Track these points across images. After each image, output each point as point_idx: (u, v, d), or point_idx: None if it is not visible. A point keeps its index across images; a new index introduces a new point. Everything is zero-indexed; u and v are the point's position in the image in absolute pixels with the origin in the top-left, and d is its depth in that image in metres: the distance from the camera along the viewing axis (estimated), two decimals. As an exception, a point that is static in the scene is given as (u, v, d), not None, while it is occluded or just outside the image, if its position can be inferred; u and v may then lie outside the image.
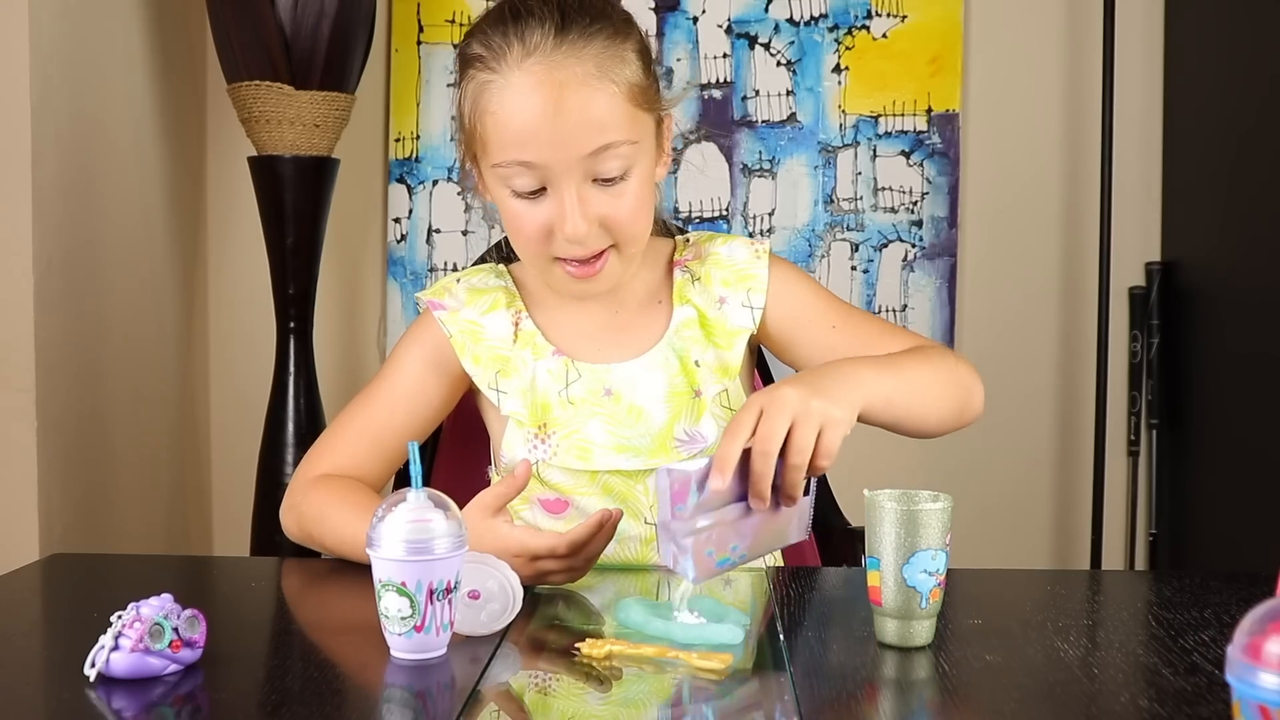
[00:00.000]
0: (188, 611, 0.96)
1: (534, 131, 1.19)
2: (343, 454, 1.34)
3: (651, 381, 1.32)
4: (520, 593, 1.06)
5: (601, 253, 1.26)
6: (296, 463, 2.32)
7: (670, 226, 1.45)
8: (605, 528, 1.15)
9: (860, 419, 1.17)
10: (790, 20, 2.61)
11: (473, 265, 1.47)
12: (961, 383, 1.28)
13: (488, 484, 1.42)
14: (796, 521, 1.13)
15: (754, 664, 1.01)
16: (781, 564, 1.43)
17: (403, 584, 0.96)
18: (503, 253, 1.46)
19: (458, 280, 1.39)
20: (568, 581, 1.19)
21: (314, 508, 1.30)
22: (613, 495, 1.31)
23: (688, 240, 1.41)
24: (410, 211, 2.65)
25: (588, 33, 1.21)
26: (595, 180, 1.22)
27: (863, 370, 1.17)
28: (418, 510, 0.98)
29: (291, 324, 2.38)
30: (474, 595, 1.04)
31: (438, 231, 2.65)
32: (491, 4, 1.29)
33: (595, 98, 1.20)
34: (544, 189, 1.22)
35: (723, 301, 1.35)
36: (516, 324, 1.35)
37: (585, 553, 1.16)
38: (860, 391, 1.14)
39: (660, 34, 2.60)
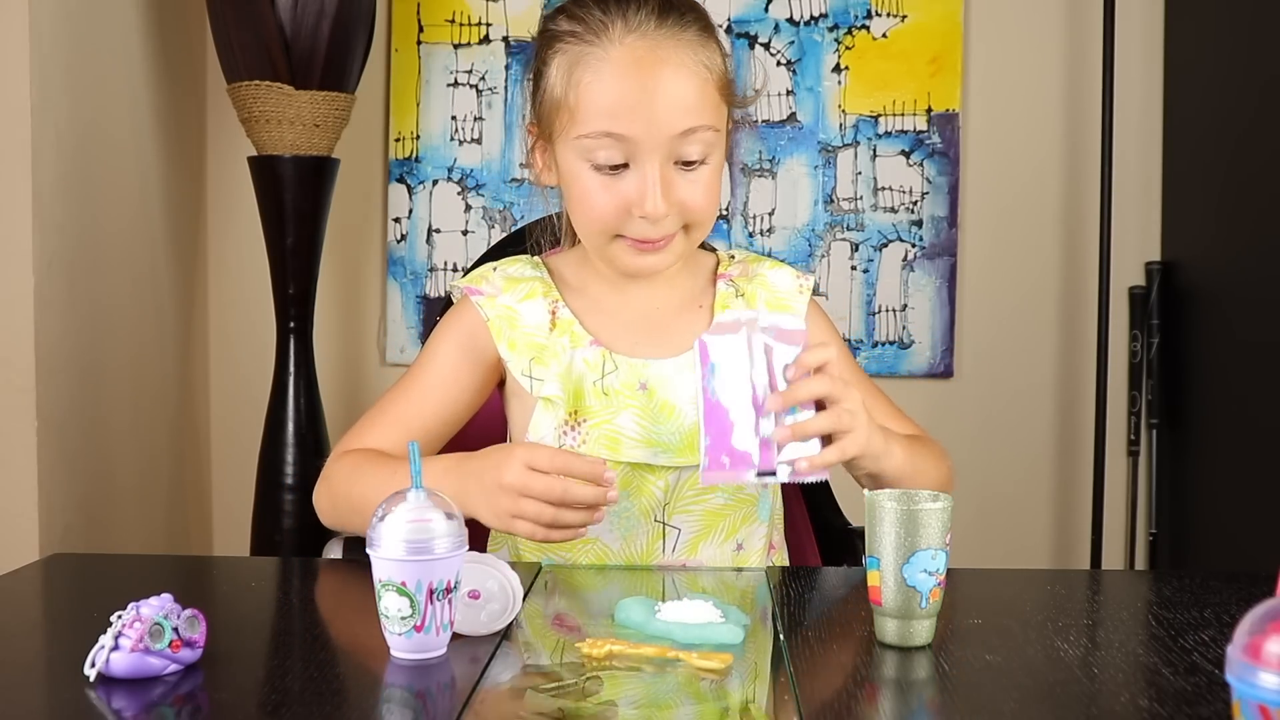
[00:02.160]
0: (188, 611, 0.95)
1: (630, 105, 1.22)
2: (374, 440, 1.34)
3: (688, 381, 1.32)
4: (520, 593, 1.06)
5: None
6: (297, 463, 2.35)
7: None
8: (599, 480, 1.13)
9: (865, 478, 1.26)
10: (790, 20, 2.61)
11: (485, 254, 1.46)
12: (946, 482, 1.36)
13: None
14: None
15: (754, 664, 1.01)
16: (788, 564, 1.43)
17: (403, 584, 0.96)
18: (557, 232, 1.44)
19: (494, 269, 1.40)
20: (535, 533, 1.15)
21: (344, 470, 1.30)
22: (631, 488, 1.31)
23: (732, 256, 1.44)
24: (410, 211, 2.65)
25: (684, 20, 1.26)
26: (676, 162, 1.25)
27: (895, 441, 1.25)
28: (418, 510, 0.98)
29: (291, 324, 2.38)
30: (474, 595, 1.04)
31: (438, 231, 2.65)
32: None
33: (690, 80, 1.24)
34: (625, 165, 1.25)
35: None
36: (553, 313, 1.35)
37: (572, 494, 1.13)
38: (888, 449, 1.22)
39: (660, 34, 2.60)
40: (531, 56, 1.32)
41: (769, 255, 1.59)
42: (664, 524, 1.32)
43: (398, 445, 1.33)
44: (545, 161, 1.32)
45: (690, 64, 1.24)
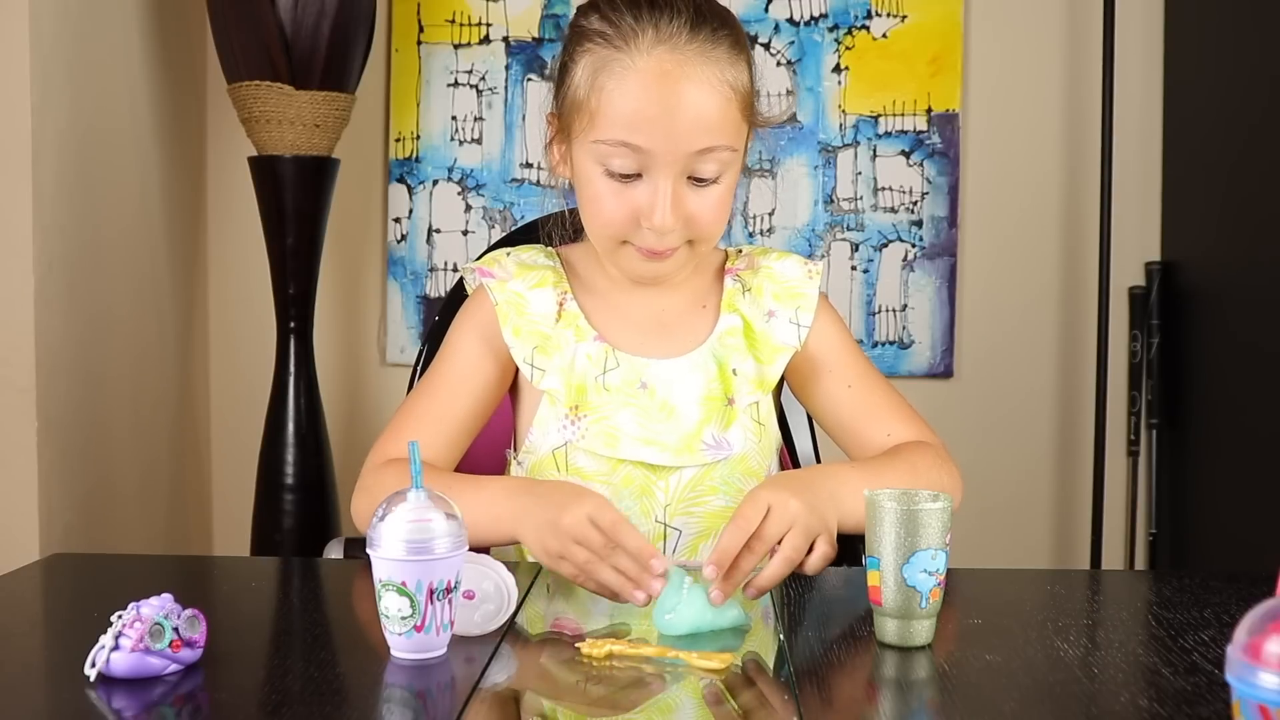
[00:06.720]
0: (188, 611, 0.95)
1: (650, 118, 1.22)
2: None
3: (688, 383, 1.33)
4: (515, 594, 1.06)
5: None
6: (297, 463, 2.35)
7: None
8: (644, 562, 1.09)
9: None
10: (790, 20, 2.61)
11: (492, 247, 1.46)
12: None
13: (504, 466, 1.41)
14: None
15: (754, 664, 1.01)
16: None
17: (403, 584, 0.96)
18: (566, 227, 1.43)
19: (507, 254, 1.40)
20: (577, 577, 1.13)
21: (389, 481, 1.25)
22: (633, 488, 1.31)
23: (740, 251, 1.44)
24: (410, 211, 2.65)
25: (716, 36, 1.25)
26: (690, 178, 1.25)
27: (848, 499, 1.19)
28: (418, 510, 0.98)
29: (291, 324, 2.38)
30: (469, 595, 1.04)
31: (438, 231, 2.65)
32: None
33: (713, 99, 1.23)
34: (639, 175, 1.24)
35: (771, 315, 1.36)
36: (561, 304, 1.35)
37: (617, 561, 1.10)
38: (843, 514, 1.19)
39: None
40: (560, 48, 1.32)
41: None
42: (665, 525, 1.32)
43: (431, 447, 1.31)
44: (562, 156, 1.32)
45: (715, 82, 1.23)
